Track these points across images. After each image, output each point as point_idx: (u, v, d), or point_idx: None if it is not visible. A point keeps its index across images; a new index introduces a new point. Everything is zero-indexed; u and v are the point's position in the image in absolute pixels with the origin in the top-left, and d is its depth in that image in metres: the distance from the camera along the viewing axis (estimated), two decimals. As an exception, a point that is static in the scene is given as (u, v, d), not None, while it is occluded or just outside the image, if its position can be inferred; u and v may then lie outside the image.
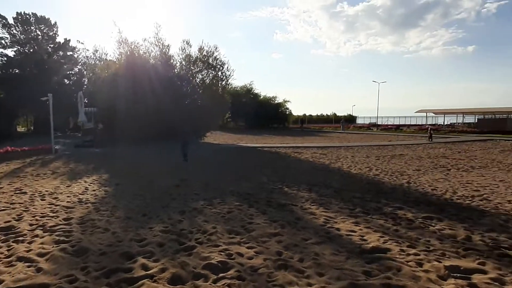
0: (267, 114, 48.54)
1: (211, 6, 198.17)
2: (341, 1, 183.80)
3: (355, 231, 5.27)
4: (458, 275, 3.84)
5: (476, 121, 47.31)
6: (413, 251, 4.51)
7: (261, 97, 51.20)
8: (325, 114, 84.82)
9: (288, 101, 52.48)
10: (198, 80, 25.14)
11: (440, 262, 4.15)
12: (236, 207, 6.79)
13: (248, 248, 4.57)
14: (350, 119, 75.07)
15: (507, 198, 7.90)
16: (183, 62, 25.00)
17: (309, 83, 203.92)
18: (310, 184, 9.30)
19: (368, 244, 4.69)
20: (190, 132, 12.36)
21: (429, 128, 31.70)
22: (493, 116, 48.49)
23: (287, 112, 53.43)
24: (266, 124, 49.23)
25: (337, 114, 78.37)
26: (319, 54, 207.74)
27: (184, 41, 25.03)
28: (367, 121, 71.79)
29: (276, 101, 51.98)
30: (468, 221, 6.03)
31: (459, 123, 56.20)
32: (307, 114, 78.72)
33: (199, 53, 24.83)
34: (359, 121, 78.41)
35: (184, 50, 24.88)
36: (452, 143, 24.37)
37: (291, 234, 5.13)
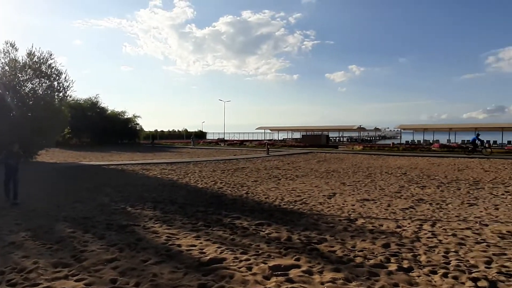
0: (115, 130, 45.10)
1: (48, 8, 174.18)
2: (190, 22, 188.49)
3: (195, 245, 5.35)
4: (278, 272, 4.32)
5: (301, 137, 54.87)
6: (245, 257, 4.86)
7: (109, 111, 47.22)
8: (177, 130, 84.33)
9: (139, 116, 50.09)
10: (28, 89, 21.16)
11: (266, 263, 4.59)
12: (68, 234, 5.99)
13: (76, 281, 4.03)
14: (200, 135, 76.64)
15: (319, 200, 9.38)
16: (7, 68, 20.61)
17: (161, 99, 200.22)
18: (156, 202, 9.03)
19: (206, 256, 4.83)
20: (18, 152, 9.54)
21: (266, 143, 35.16)
22: (313, 132, 57.26)
23: (138, 128, 50.83)
24: (115, 140, 45.68)
25: (188, 130, 79.10)
26: (170, 71, 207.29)
27: (7, 43, 20.56)
28: (216, 137, 74.57)
29: (125, 116, 48.81)
30: (290, 223, 6.89)
31: (289, 138, 64.22)
32: (158, 130, 76.78)
33: (28, 59, 20.95)
34: (208, 136, 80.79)
35: (7, 54, 20.59)
36: (283, 156, 27.58)
37: (130, 257, 4.83)
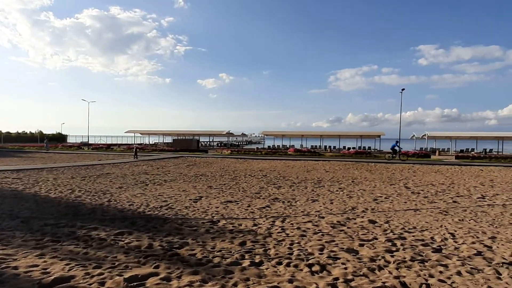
0: None
1: None
2: (46, 10, 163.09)
3: (37, 265, 4.58)
4: (135, 283, 4.07)
5: (172, 141, 53.74)
6: (98, 271, 4.41)
7: None
8: (28, 132, 71.81)
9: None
10: None
11: (122, 275, 4.27)
12: None
13: None
14: (59, 138, 67.16)
15: (185, 204, 9.30)
16: None
17: (7, 94, 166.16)
18: (-9, 218, 7.43)
19: (50, 276, 4.18)
20: None
21: (135, 147, 33.11)
22: (185, 137, 56.82)
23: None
24: None
25: (44, 132, 68.24)
26: (21, 62, 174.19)
27: None
28: (79, 140, 66.37)
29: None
30: (153, 229, 6.61)
31: (160, 142, 62.10)
32: (3, 131, 63.88)
33: None
34: (70, 140, 71.36)
35: None
36: (153, 160, 26.47)
37: None
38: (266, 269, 4.62)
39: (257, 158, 30.06)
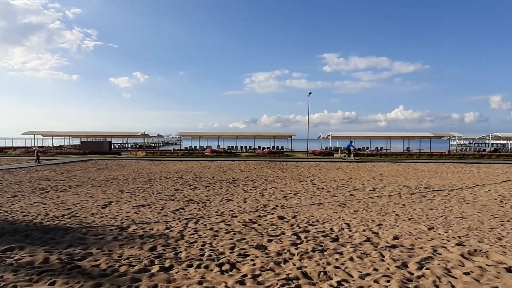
0: None
1: None
2: None
3: None
4: (24, 304, 3.57)
5: (80, 143, 48.99)
6: (-23, 295, 3.76)
7: None
8: None
9: None
10: None
11: (7, 297, 3.71)
12: None
13: None
14: None
15: (92, 211, 8.53)
16: None
17: None
18: None
19: None
20: None
21: (35, 150, 29.30)
22: (95, 138, 52.23)
23: None
24: None
25: None
26: None
27: None
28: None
29: None
30: (51, 241, 5.90)
31: (66, 145, 56.03)
32: None
33: None
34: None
35: None
36: (57, 164, 23.76)
37: None
38: (176, 273, 4.49)
39: (174, 160, 29.19)
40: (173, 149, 44.22)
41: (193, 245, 5.69)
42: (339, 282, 4.16)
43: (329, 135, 48.24)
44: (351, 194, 11.49)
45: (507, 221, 7.87)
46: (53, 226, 7.08)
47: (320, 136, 51.15)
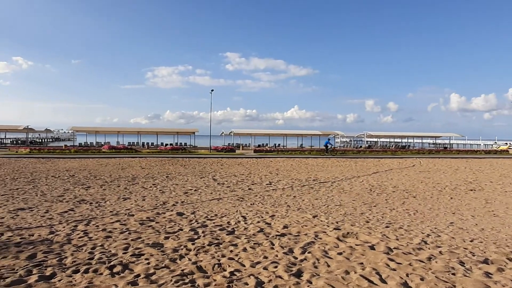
0: None
1: None
2: None
3: None
4: None
5: None
6: None
7: None
8: None
9: None
10: None
11: None
12: None
13: None
14: None
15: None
16: None
17: None
18: None
19: None
20: None
21: None
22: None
23: None
24: None
25: None
26: None
27: None
28: None
29: None
30: None
31: None
32: None
33: None
34: None
35: None
36: None
37: None
38: (59, 280, 4.01)
39: (65, 157, 25.96)
40: (65, 145, 39.22)
41: (82, 249, 5.17)
42: (231, 273, 4.30)
43: (231, 132, 49.28)
44: (249, 189, 11.98)
45: (374, 206, 9.27)
46: None
47: (223, 133, 51.85)
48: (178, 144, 44.47)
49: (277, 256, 4.99)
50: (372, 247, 5.44)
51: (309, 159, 28.52)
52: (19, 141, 51.33)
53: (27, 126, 46.41)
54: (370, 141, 65.46)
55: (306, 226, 6.82)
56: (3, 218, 7.23)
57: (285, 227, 6.70)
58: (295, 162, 25.10)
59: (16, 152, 30.45)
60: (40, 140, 63.61)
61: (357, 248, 5.42)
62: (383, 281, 4.10)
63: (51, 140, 71.47)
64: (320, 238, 5.96)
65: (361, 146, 54.66)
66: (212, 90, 38.58)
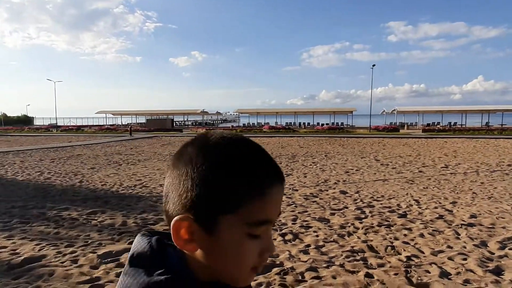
0: None
1: None
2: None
3: (6, 247, 4.45)
4: (109, 259, 4.04)
5: (146, 121, 52.52)
6: (70, 249, 4.33)
7: None
8: (-11, 115, 67.91)
9: None
10: None
11: (95, 252, 4.22)
12: None
13: None
14: (25, 121, 64.09)
15: (160, 182, 9.21)
16: None
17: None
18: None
19: (19, 257, 4.07)
20: None
21: (130, 127, 33.59)
22: (158, 117, 55.60)
23: None
24: None
25: (8, 115, 64.70)
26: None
27: None
28: (46, 122, 63.49)
29: None
30: (127, 207, 6.52)
31: (133, 123, 60.51)
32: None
33: None
34: (37, 122, 68.16)
35: None
36: (126, 140, 25.85)
37: None
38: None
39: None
40: (232, 126, 45.40)
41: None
42: (408, 257, 4.02)
43: (394, 109, 45.55)
44: (420, 171, 10.85)
45: None
46: (127, 194, 7.81)
47: (384, 111, 48.54)
48: (335, 124, 44.47)
49: (465, 247, 4.35)
50: None
51: (499, 140, 23.50)
52: (197, 123, 62.65)
53: (203, 109, 55.84)
54: None
55: (503, 218, 5.67)
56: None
57: (472, 216, 5.76)
58: (479, 143, 21.15)
59: (196, 131, 37.21)
60: (212, 122, 75.73)
61: None
62: None
63: (220, 121, 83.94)
64: (527, 235, 4.84)
65: None
66: (374, 65, 36.39)
